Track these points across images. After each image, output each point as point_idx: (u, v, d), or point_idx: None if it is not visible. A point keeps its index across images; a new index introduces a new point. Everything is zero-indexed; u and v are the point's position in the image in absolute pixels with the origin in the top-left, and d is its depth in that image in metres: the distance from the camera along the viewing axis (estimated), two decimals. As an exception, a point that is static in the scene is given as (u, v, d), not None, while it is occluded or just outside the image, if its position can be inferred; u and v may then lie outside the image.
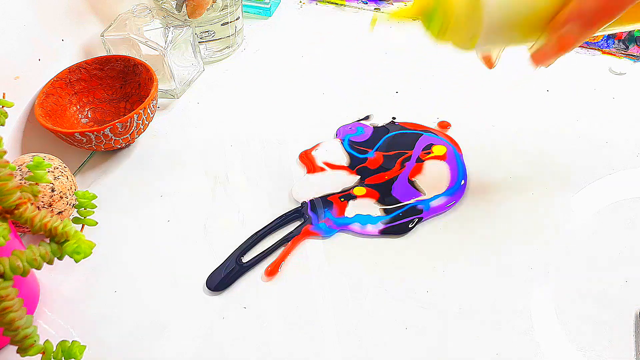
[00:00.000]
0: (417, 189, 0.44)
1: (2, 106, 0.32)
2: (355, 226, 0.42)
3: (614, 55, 0.57)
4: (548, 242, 0.40)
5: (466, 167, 0.46)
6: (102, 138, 0.44)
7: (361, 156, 0.47)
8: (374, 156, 0.47)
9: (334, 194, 0.44)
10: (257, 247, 0.41)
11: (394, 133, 0.49)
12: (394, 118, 0.51)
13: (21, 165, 0.39)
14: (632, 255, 0.39)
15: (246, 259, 0.40)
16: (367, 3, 0.66)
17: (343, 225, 0.42)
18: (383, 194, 0.44)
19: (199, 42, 0.56)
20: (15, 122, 0.45)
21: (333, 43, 0.60)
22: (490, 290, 0.38)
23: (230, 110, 0.53)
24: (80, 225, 0.32)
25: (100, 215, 0.35)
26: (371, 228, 0.41)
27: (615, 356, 0.34)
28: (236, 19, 0.58)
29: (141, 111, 0.44)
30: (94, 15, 0.52)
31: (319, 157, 0.47)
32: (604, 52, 0.57)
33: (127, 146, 0.49)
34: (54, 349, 0.29)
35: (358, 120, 0.50)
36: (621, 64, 0.56)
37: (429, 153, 0.47)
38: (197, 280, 0.39)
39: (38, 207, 0.38)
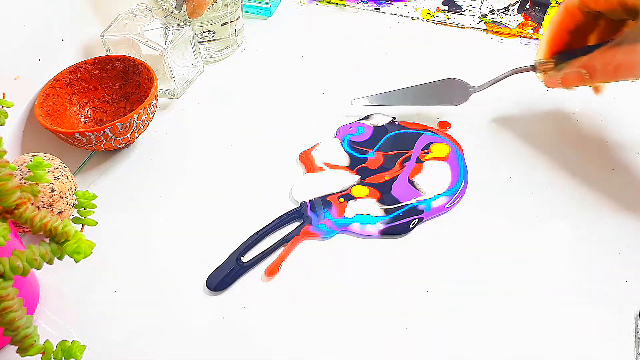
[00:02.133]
0: (417, 189, 0.44)
1: (2, 106, 0.32)
2: (355, 226, 0.42)
3: (614, 55, 0.57)
4: (548, 242, 0.40)
5: (467, 167, 0.46)
6: (102, 138, 0.44)
7: (361, 156, 0.47)
8: (374, 156, 0.47)
9: (333, 194, 0.44)
10: (257, 247, 0.41)
11: (394, 133, 0.49)
12: (394, 118, 0.51)
13: (21, 165, 0.39)
14: (632, 255, 0.39)
15: (246, 259, 0.40)
16: (367, 3, 0.66)
17: (343, 226, 0.42)
18: (383, 193, 0.44)
19: (199, 42, 0.56)
20: (15, 122, 0.45)
21: (333, 43, 0.60)
22: (490, 290, 0.38)
23: (230, 110, 0.53)
24: (80, 225, 0.32)
25: (100, 215, 0.35)
26: (371, 229, 0.41)
27: (615, 356, 0.34)
28: (236, 19, 0.58)
29: (141, 111, 0.44)
30: (94, 15, 0.52)
31: (319, 157, 0.47)
32: (604, 52, 0.57)
33: (127, 146, 0.49)
34: (54, 349, 0.29)
35: (358, 120, 0.50)
36: (621, 64, 0.55)
37: (428, 152, 0.47)
38: (197, 280, 0.39)
39: (38, 207, 0.38)
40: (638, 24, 0.37)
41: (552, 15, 0.43)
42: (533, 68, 0.45)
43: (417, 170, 0.45)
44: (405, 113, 0.51)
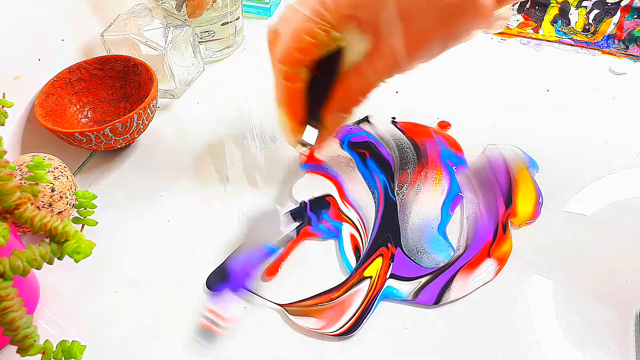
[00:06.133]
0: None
1: (2, 106, 0.32)
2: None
3: (614, 55, 0.57)
4: (548, 242, 0.40)
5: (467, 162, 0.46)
6: (102, 138, 0.44)
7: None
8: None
9: (332, 194, 0.44)
10: (257, 247, 0.41)
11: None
12: (394, 118, 0.51)
13: (21, 165, 0.39)
14: (632, 255, 0.39)
15: (246, 259, 0.40)
16: (367, 3, 0.66)
17: (339, 229, 0.42)
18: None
19: (199, 42, 0.56)
20: (15, 122, 0.45)
21: (333, 43, 0.60)
22: (490, 290, 0.38)
23: (231, 110, 0.53)
24: (80, 225, 0.32)
25: (100, 215, 0.35)
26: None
27: (616, 356, 0.34)
28: (236, 19, 0.58)
29: (141, 111, 0.44)
30: (94, 15, 0.52)
31: (319, 157, 0.47)
32: (604, 52, 0.57)
33: (127, 146, 0.49)
34: (54, 349, 0.29)
35: (358, 123, 0.50)
36: (621, 64, 0.56)
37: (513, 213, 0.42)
38: (197, 280, 0.39)
39: (38, 207, 0.38)
40: (348, 46, 0.33)
41: (278, 100, 0.38)
42: (310, 145, 0.38)
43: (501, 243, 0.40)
44: (405, 113, 0.51)
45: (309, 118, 0.37)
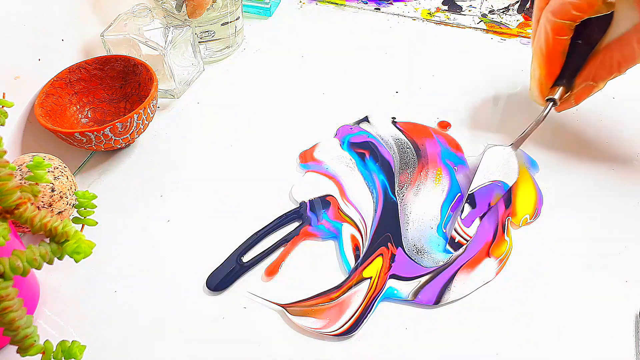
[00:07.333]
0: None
1: (2, 106, 0.32)
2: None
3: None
4: (548, 242, 0.40)
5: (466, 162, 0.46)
6: (102, 138, 0.44)
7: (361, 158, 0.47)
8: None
9: (332, 194, 0.44)
10: (257, 247, 0.41)
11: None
12: (394, 118, 0.51)
13: (21, 165, 0.39)
14: (632, 255, 0.39)
15: (246, 259, 0.40)
16: (367, 3, 0.66)
17: (339, 229, 0.42)
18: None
19: (199, 42, 0.56)
20: (15, 122, 0.45)
21: (333, 43, 0.60)
22: (490, 290, 0.38)
23: (230, 110, 0.53)
24: (80, 225, 0.32)
25: (100, 215, 0.35)
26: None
27: (615, 356, 0.34)
28: (236, 19, 0.58)
29: (141, 111, 0.44)
30: (94, 15, 0.52)
31: (319, 157, 0.47)
32: (604, 52, 0.57)
33: (127, 146, 0.49)
34: (54, 349, 0.29)
35: (358, 123, 0.50)
36: (621, 64, 0.55)
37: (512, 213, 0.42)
38: (197, 280, 0.39)
39: (38, 207, 0.38)
40: (618, 14, 0.37)
41: (536, 48, 0.41)
42: (554, 104, 0.43)
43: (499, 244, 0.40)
44: (405, 113, 0.51)
45: (559, 79, 0.41)
